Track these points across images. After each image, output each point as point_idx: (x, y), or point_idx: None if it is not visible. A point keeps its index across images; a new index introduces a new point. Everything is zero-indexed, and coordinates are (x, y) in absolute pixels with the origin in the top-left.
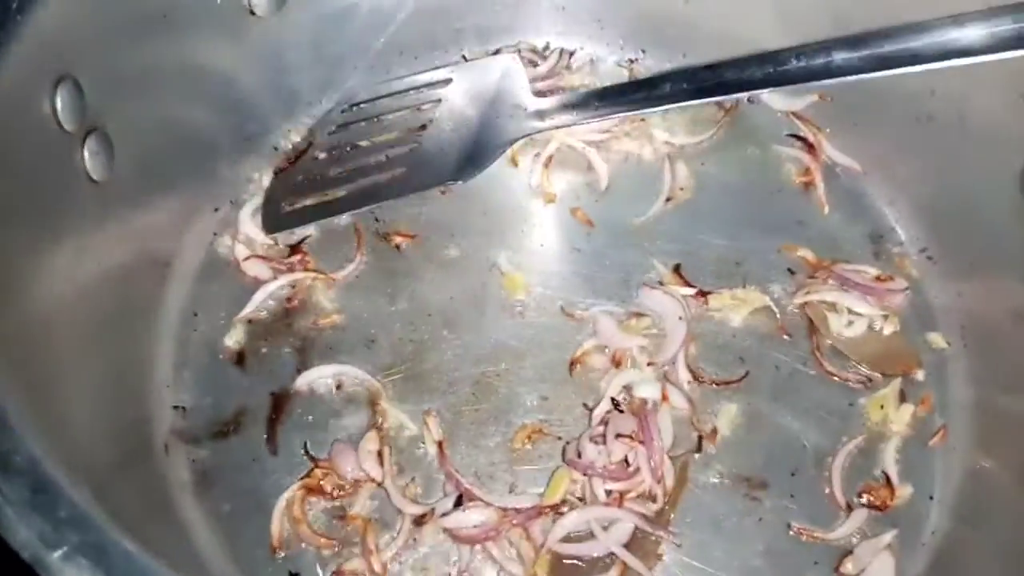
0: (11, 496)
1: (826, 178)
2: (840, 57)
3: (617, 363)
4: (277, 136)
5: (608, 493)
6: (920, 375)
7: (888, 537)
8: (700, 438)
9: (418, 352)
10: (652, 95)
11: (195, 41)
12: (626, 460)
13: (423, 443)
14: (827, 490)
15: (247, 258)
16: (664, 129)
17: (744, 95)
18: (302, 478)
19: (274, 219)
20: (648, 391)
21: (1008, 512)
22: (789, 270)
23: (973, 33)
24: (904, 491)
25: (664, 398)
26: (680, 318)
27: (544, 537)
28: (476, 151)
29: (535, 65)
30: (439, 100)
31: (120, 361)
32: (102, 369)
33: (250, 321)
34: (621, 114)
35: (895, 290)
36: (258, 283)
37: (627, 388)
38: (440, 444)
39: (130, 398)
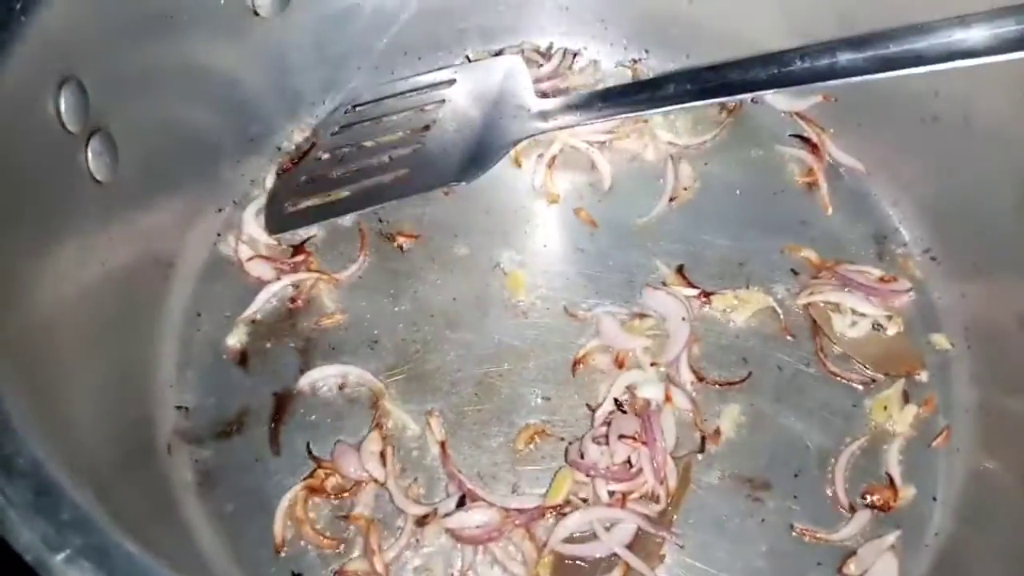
0: (14, 499)
1: (830, 179)
2: (844, 58)
3: (620, 364)
4: (280, 137)
5: (611, 494)
6: (924, 376)
7: (891, 538)
8: (703, 439)
9: (421, 352)
10: (656, 96)
11: (198, 42)
12: (629, 461)
13: (426, 443)
14: (830, 491)
15: (250, 258)
16: (667, 129)
17: (748, 96)
18: (305, 478)
19: (277, 219)
20: (651, 392)
21: (1012, 513)
22: (792, 271)
23: (977, 34)
24: (907, 492)
25: (667, 399)
26: (683, 319)
27: (547, 538)
28: (479, 152)
29: (539, 66)
30: (442, 101)
31: (123, 361)
32: (105, 370)
33: (253, 321)
34: (624, 115)
35: (899, 291)
36: (261, 283)
37: (630, 389)
38: (443, 444)
39: (133, 398)
